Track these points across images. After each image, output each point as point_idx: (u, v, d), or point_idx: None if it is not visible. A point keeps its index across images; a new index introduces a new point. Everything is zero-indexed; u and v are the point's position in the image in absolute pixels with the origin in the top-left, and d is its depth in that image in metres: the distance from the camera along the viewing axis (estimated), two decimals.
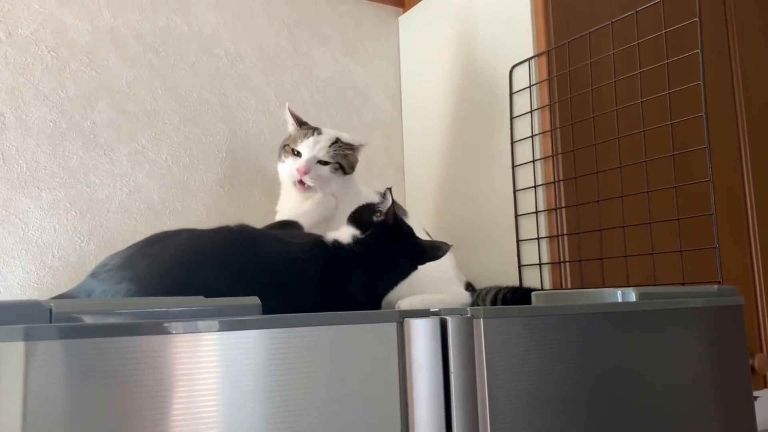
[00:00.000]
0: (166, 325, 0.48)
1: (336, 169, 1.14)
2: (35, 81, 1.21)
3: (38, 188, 1.19)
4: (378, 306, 0.93)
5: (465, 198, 1.39)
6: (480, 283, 1.34)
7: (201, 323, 0.49)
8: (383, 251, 0.92)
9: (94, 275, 0.80)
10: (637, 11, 1.10)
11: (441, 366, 0.60)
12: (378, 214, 0.94)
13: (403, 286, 0.98)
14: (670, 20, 1.06)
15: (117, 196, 1.26)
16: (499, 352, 0.64)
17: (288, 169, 1.13)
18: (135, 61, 1.31)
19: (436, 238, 1.21)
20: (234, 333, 0.51)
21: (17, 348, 0.44)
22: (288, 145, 1.16)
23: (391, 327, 0.58)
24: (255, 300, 0.55)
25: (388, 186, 0.97)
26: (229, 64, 1.42)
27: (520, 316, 0.66)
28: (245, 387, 0.51)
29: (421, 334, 0.60)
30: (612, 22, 1.14)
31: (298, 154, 1.13)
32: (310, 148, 1.13)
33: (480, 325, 0.63)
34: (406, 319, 0.59)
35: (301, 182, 1.11)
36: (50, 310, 0.47)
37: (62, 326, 0.45)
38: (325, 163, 1.13)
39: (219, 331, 0.50)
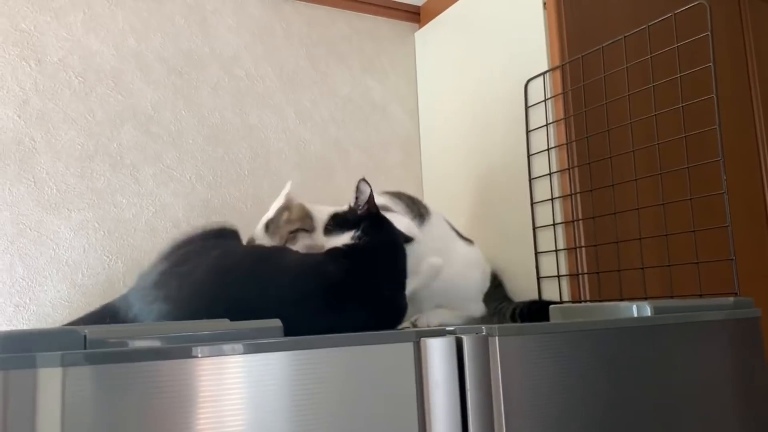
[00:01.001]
0: (193, 349, 0.50)
1: None
2: (64, 106, 1.26)
3: (68, 209, 1.23)
4: (404, 297, 0.94)
5: (483, 211, 1.41)
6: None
7: (225, 347, 0.52)
8: (384, 239, 0.95)
9: (134, 290, 0.84)
10: (649, 25, 1.11)
11: (457, 384, 0.62)
12: (361, 207, 0.97)
13: (427, 301, 1.00)
14: (684, 34, 1.07)
15: (143, 215, 1.30)
16: (515, 369, 0.66)
17: None
18: (159, 83, 1.36)
19: None
20: (256, 356, 0.54)
21: (55, 374, 0.47)
22: None
23: (408, 347, 0.60)
24: (277, 322, 0.58)
25: (361, 178, 1.00)
26: (250, 84, 1.45)
27: (535, 334, 0.68)
28: (267, 408, 0.53)
29: (438, 353, 0.62)
30: (625, 37, 1.15)
31: None
32: None
33: (495, 343, 0.65)
34: (422, 338, 0.61)
35: None
36: (85, 336, 0.50)
37: (97, 352, 0.48)
38: None
39: (242, 354, 0.53)
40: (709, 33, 1.01)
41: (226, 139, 1.40)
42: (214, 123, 1.40)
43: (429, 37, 1.64)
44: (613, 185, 1.17)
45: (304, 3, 1.55)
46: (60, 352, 0.47)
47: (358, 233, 0.94)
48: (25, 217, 1.20)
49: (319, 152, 1.51)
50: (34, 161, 1.22)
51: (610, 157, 1.17)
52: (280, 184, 1.45)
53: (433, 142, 1.61)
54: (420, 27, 1.68)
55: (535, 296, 1.24)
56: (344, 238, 0.95)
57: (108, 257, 1.26)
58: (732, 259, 0.99)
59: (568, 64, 1.23)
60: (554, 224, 1.22)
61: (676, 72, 1.07)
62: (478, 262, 1.22)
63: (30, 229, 1.20)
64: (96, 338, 0.50)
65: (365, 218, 0.96)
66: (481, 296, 1.21)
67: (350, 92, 1.58)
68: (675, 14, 1.07)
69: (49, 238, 1.21)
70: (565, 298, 1.19)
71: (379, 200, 1.18)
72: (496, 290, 1.25)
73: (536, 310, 1.08)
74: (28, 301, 1.18)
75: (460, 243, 1.21)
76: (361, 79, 1.60)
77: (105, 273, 1.25)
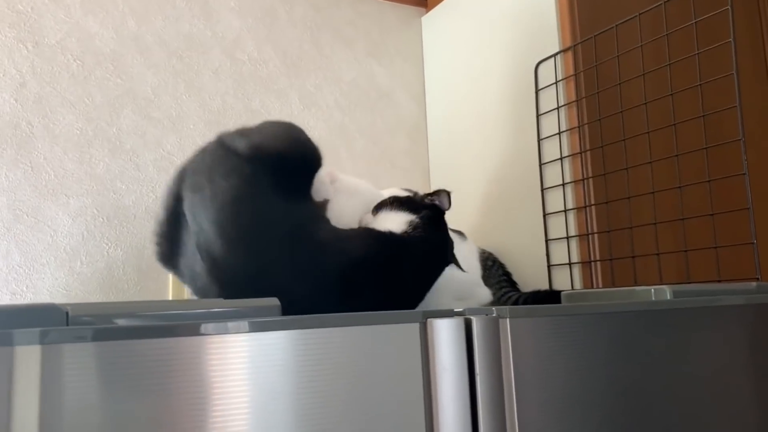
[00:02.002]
0: (180, 327, 0.47)
1: None
2: (62, 89, 1.23)
3: (66, 195, 1.20)
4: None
5: (492, 198, 1.37)
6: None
7: (214, 326, 0.48)
8: (436, 235, 0.92)
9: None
10: (665, 2, 1.07)
11: (466, 368, 0.58)
12: (430, 198, 0.95)
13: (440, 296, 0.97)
14: (700, 10, 1.03)
15: (143, 201, 1.27)
16: (527, 353, 0.62)
17: None
18: (159, 67, 1.32)
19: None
20: (256, 335, 0.50)
21: (33, 352, 0.43)
22: None
23: (414, 328, 0.57)
24: (274, 301, 0.54)
25: (446, 191, 0.99)
26: (253, 69, 1.42)
27: (548, 315, 0.64)
28: (267, 389, 0.50)
29: (445, 335, 0.58)
30: (639, 14, 1.11)
31: None
32: None
33: (506, 325, 0.61)
34: (429, 319, 0.58)
35: None
36: (67, 313, 0.46)
37: (79, 329, 0.45)
38: None
39: (239, 333, 0.49)
40: (729, 7, 0.97)
41: (227, 124, 1.37)
42: (215, 108, 1.36)
43: (436, 21, 1.60)
44: (627, 169, 1.13)
45: None
46: (39, 329, 0.44)
47: (416, 220, 0.92)
48: (22, 203, 1.17)
49: (323, 138, 1.48)
50: (31, 146, 1.19)
51: (624, 140, 1.13)
52: None
53: (441, 128, 1.57)
54: (427, 11, 1.64)
55: (545, 285, 1.21)
56: (396, 221, 0.93)
57: (107, 244, 1.23)
58: (753, 243, 0.94)
59: (579, 45, 1.19)
60: (565, 210, 1.18)
61: (693, 50, 1.03)
62: (472, 250, 1.19)
63: (27, 216, 1.17)
64: (79, 315, 0.46)
65: (428, 208, 0.94)
66: (482, 282, 1.17)
67: (355, 77, 1.55)
68: None
69: (47, 225, 1.18)
70: (577, 286, 1.15)
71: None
72: (490, 272, 1.21)
73: (541, 300, 1.04)
74: (24, 288, 1.15)
75: (456, 237, 1.18)
76: (366, 65, 1.57)
77: (104, 260, 1.22)
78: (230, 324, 0.49)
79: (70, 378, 0.44)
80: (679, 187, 1.06)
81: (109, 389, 0.45)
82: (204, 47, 1.37)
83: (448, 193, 0.98)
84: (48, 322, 0.46)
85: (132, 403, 0.46)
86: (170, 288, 1.24)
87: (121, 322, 0.47)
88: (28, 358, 0.43)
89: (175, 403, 0.47)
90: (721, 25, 0.98)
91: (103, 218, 1.23)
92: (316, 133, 1.47)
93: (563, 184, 1.19)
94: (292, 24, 1.48)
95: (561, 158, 1.20)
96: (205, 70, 1.37)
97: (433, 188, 1.57)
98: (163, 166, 1.29)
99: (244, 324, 0.48)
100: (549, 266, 1.21)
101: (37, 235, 1.17)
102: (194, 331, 0.48)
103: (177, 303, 0.51)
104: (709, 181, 1.01)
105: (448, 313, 0.59)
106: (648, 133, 1.11)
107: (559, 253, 1.19)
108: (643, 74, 1.11)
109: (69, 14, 1.26)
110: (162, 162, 1.29)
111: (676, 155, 1.06)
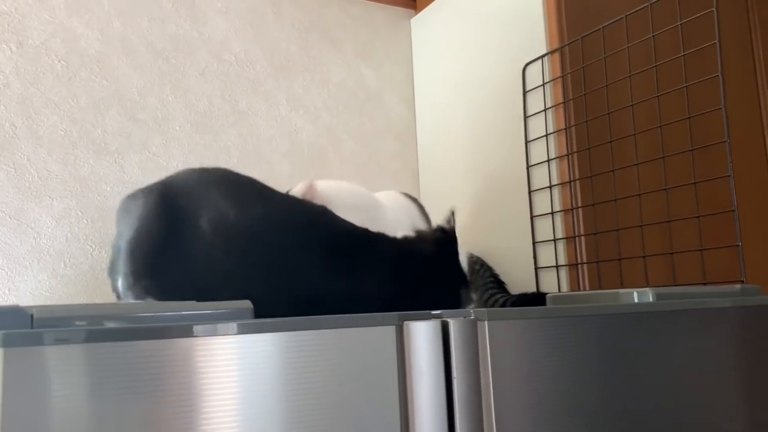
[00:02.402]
0: (145, 330, 0.46)
1: None
2: (46, 90, 1.22)
3: (50, 197, 1.19)
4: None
5: (481, 200, 1.36)
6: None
7: (186, 328, 0.48)
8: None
9: None
10: (651, 3, 1.06)
11: (443, 371, 0.57)
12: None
13: None
14: (687, 12, 1.03)
15: None
16: (506, 356, 0.61)
17: None
18: (145, 68, 1.31)
19: None
20: (228, 338, 0.50)
21: None
22: None
23: (390, 330, 0.56)
24: (247, 304, 0.53)
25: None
26: (240, 70, 1.41)
27: (528, 318, 0.63)
28: (237, 393, 0.49)
29: (422, 338, 0.57)
30: (626, 16, 1.10)
31: None
32: None
33: (485, 327, 0.60)
34: (405, 321, 0.57)
35: None
36: (32, 315, 0.45)
37: (43, 331, 0.44)
38: None
39: (211, 336, 0.49)
40: (714, 9, 0.97)
41: (214, 126, 1.36)
42: (201, 109, 1.35)
43: (425, 23, 1.60)
44: (613, 170, 1.13)
45: None
46: (2, 332, 0.43)
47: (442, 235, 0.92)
48: (5, 204, 1.16)
49: (311, 140, 1.47)
50: (14, 147, 1.18)
51: (611, 142, 1.13)
52: (270, 173, 1.41)
53: (430, 130, 1.57)
54: (416, 13, 1.64)
55: (533, 287, 1.20)
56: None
57: (92, 247, 1.22)
58: (738, 245, 0.94)
59: (567, 47, 1.19)
60: (552, 212, 1.18)
61: (679, 52, 1.02)
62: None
63: (10, 218, 1.16)
64: (44, 317, 0.46)
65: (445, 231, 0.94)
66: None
67: (344, 79, 1.54)
68: None
69: (30, 227, 1.17)
70: (564, 288, 1.15)
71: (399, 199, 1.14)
72: (477, 275, 1.20)
73: (528, 302, 1.04)
74: (7, 291, 1.13)
75: None
76: (355, 66, 1.56)
77: (88, 263, 1.21)
78: (198, 327, 0.48)
79: (34, 381, 0.43)
80: (665, 189, 1.05)
81: (73, 392, 0.44)
82: (190, 48, 1.36)
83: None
84: (12, 324, 0.45)
85: (96, 407, 0.45)
86: None
87: (87, 324, 0.46)
88: None
89: (140, 408, 0.46)
90: (708, 26, 0.98)
91: (87, 220, 1.22)
92: (303, 135, 1.46)
93: (550, 186, 1.18)
94: (280, 25, 1.48)
95: (548, 160, 1.19)
96: (191, 71, 1.36)
97: (422, 191, 1.56)
98: (148, 167, 1.28)
99: (213, 327, 0.47)
100: (536, 269, 1.20)
101: (20, 237, 1.16)
102: (160, 334, 0.47)
103: (146, 306, 0.50)
104: (694, 183, 1.00)
105: (425, 316, 0.59)
106: (635, 135, 1.11)
107: (547, 256, 1.19)
108: (630, 76, 1.11)
109: (54, 15, 1.25)
110: (147, 164, 1.28)
111: (662, 157, 1.06)
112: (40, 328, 0.45)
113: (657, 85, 1.08)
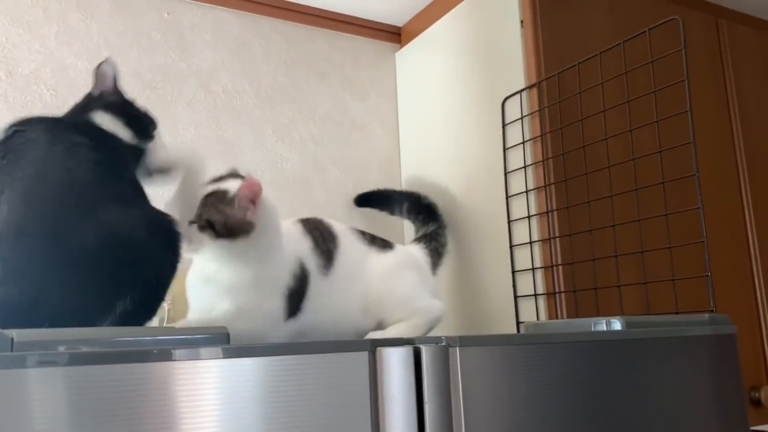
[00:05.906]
0: (128, 354, 0.48)
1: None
2: None
3: None
4: None
5: (461, 230, 1.39)
6: (476, 316, 1.33)
7: (162, 352, 0.49)
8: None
9: None
10: (624, 41, 1.10)
11: (414, 397, 0.59)
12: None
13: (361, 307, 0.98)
14: (660, 50, 1.07)
15: None
16: (477, 382, 0.63)
17: None
18: (133, 98, 1.34)
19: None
20: (207, 362, 0.51)
21: None
22: None
23: (363, 356, 0.58)
24: (223, 329, 0.55)
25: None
26: (227, 101, 1.44)
27: (499, 345, 0.65)
28: (210, 417, 0.50)
29: (395, 364, 0.59)
30: (600, 53, 1.15)
31: None
32: None
33: (456, 354, 0.62)
34: (378, 348, 0.59)
35: None
36: (12, 339, 0.47)
37: (22, 355, 0.45)
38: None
39: (184, 360, 0.50)
40: (682, 48, 1.01)
41: (200, 155, 1.38)
42: (188, 138, 1.38)
43: (409, 57, 1.64)
44: (589, 202, 1.16)
45: (282, 21, 1.54)
46: None
47: None
48: None
49: (296, 170, 1.49)
50: None
51: (586, 174, 1.16)
52: None
53: (414, 161, 1.60)
54: (401, 47, 1.68)
55: (512, 316, 1.22)
56: None
57: None
58: (708, 276, 0.97)
59: (544, 82, 1.22)
60: (531, 242, 1.20)
61: (651, 88, 1.06)
62: (407, 262, 1.14)
63: None
64: (24, 341, 0.47)
65: None
66: (430, 293, 1.14)
67: (329, 110, 1.57)
68: (649, 30, 1.07)
69: None
70: (542, 317, 1.17)
71: (292, 229, 1.08)
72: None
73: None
74: None
75: (375, 256, 1.10)
76: (340, 98, 1.59)
77: None
78: (177, 351, 0.50)
79: (13, 404, 0.45)
80: (638, 220, 1.08)
81: (55, 415, 0.45)
82: (178, 78, 1.39)
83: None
84: None
85: (77, 430, 0.46)
86: None
87: (67, 348, 0.47)
88: None
89: (121, 430, 0.47)
90: (680, 64, 1.02)
91: None
92: (289, 165, 1.49)
93: (528, 216, 1.21)
94: (267, 57, 1.51)
95: (527, 191, 1.22)
96: (179, 101, 1.38)
97: (405, 223, 1.57)
98: None
99: (184, 352, 0.49)
100: (516, 297, 1.22)
101: None
102: (141, 357, 0.48)
103: (125, 330, 0.52)
104: (666, 215, 1.03)
105: (398, 342, 0.60)
106: (609, 167, 1.14)
107: (526, 284, 1.21)
108: (604, 110, 1.15)
109: (44, 45, 1.27)
110: None
111: (636, 189, 1.09)
112: (20, 351, 0.46)
113: (630, 120, 1.12)
